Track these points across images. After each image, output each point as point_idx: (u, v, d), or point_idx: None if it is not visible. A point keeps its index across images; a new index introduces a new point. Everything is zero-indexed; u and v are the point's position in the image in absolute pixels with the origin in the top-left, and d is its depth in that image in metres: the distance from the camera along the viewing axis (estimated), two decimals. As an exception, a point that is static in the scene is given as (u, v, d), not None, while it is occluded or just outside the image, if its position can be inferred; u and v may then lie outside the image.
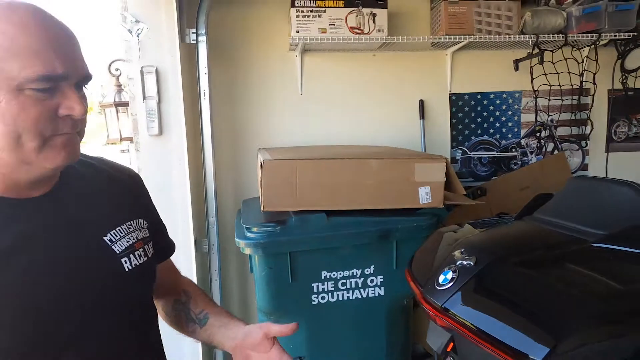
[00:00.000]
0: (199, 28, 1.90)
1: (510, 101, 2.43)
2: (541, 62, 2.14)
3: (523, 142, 2.47)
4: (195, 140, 2.04)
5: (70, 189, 0.70)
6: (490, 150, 2.46)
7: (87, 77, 0.63)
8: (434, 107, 2.39)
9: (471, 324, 0.74)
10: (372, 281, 1.66)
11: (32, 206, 0.65)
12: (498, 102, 2.42)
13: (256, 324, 0.81)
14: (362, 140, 2.32)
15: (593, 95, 2.34)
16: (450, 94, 2.38)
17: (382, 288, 1.67)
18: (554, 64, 2.18)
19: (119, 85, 2.42)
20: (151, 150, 1.93)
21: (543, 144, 2.46)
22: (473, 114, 2.42)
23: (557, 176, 2.49)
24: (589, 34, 2.10)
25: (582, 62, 2.24)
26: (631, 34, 2.11)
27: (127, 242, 0.73)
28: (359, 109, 2.32)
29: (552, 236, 0.87)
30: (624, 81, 2.29)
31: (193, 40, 1.91)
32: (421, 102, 2.36)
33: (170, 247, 0.94)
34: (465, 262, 0.84)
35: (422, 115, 2.35)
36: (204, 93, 1.94)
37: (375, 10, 2.03)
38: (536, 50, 2.12)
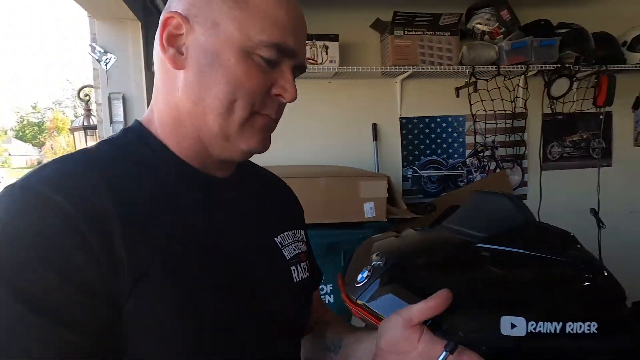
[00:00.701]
0: (164, 58, 2.06)
1: (455, 124, 2.66)
2: (475, 90, 2.38)
3: (468, 161, 2.69)
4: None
5: (244, 181, 0.66)
6: (438, 169, 2.67)
7: (303, 66, 0.60)
8: (386, 130, 2.60)
9: (378, 313, 0.90)
10: (322, 289, 1.81)
11: (219, 188, 0.60)
12: (444, 125, 2.65)
13: (392, 314, 0.59)
14: (319, 161, 2.49)
15: (525, 119, 2.60)
16: (400, 118, 2.60)
17: (332, 295, 1.82)
18: (488, 91, 2.43)
19: (88, 110, 2.54)
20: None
21: (486, 163, 2.69)
22: (422, 136, 2.64)
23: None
24: (519, 65, 2.36)
25: (514, 89, 2.49)
26: (555, 65, 2.38)
27: (294, 250, 0.67)
28: (317, 132, 2.50)
29: (449, 239, 1.05)
30: (552, 107, 2.55)
31: (158, 69, 2.06)
32: (374, 125, 2.56)
33: (320, 272, 0.83)
34: (377, 263, 1.01)
35: (375, 137, 2.56)
36: (169, 117, 2.09)
37: (327, 43, 2.24)
38: (473, 79, 2.36)
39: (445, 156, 2.68)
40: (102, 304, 0.45)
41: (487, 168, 2.70)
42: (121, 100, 2.00)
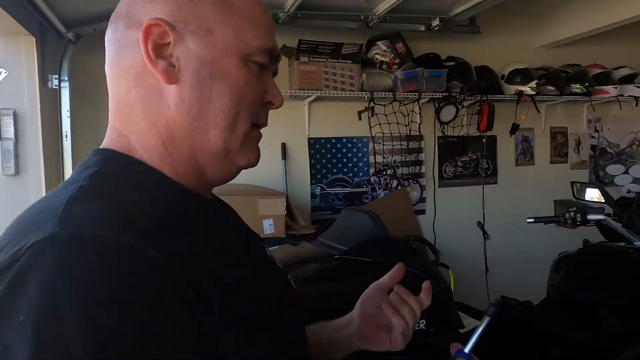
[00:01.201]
0: (62, 74, 2.02)
1: (360, 145, 2.85)
2: (371, 114, 2.60)
3: (372, 179, 2.89)
4: (58, 180, 2.10)
5: (218, 203, 0.62)
6: (344, 187, 2.84)
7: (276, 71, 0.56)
8: (295, 150, 2.72)
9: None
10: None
11: (214, 212, 0.57)
12: (349, 145, 2.84)
13: (370, 286, 0.72)
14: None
15: (420, 141, 2.87)
16: (309, 138, 2.74)
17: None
18: (386, 115, 2.66)
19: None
20: (7, 190, 1.95)
21: (388, 181, 2.91)
22: (329, 156, 2.80)
23: (401, 208, 2.96)
24: (413, 93, 2.61)
25: (408, 114, 2.75)
26: (443, 93, 2.66)
27: None
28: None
29: (317, 251, 1.16)
30: (443, 130, 2.84)
31: (55, 85, 2.02)
32: (283, 145, 2.67)
33: None
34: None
35: (284, 156, 2.67)
36: (66, 135, 2.04)
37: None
38: (372, 104, 2.57)
39: (351, 174, 2.85)
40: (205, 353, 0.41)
41: (389, 186, 2.92)
42: (12, 117, 1.92)
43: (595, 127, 3.47)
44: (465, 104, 2.84)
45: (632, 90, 3.18)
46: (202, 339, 0.40)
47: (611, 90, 3.12)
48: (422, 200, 3.01)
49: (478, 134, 2.92)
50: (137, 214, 0.43)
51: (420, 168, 2.99)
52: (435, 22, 2.57)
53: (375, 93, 2.55)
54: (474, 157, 3.13)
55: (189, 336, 0.39)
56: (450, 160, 3.07)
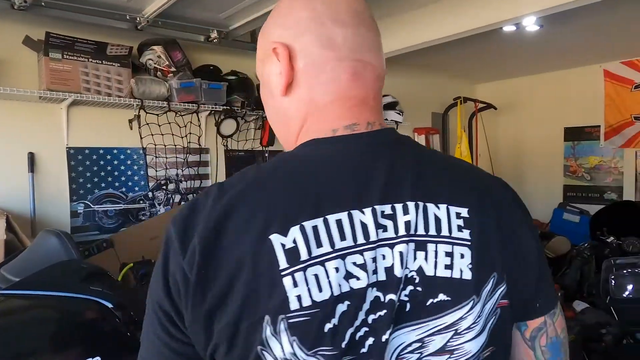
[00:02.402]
0: None
1: (135, 156, 2.60)
2: (142, 123, 2.41)
3: (151, 194, 2.67)
4: None
5: None
6: (116, 203, 2.54)
7: None
8: (48, 161, 2.31)
9: None
10: None
11: None
12: (122, 157, 2.56)
13: None
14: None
15: (202, 154, 2.79)
16: (67, 148, 2.36)
17: None
18: (159, 125, 2.49)
19: None
20: None
21: (170, 196, 2.73)
22: (96, 168, 2.47)
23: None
24: (190, 104, 2.51)
25: (185, 126, 2.64)
26: (223, 107, 2.64)
27: None
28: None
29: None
30: (225, 144, 2.82)
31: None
32: (31, 155, 2.24)
33: None
34: None
35: (32, 168, 2.23)
36: None
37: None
38: (144, 113, 2.37)
39: (124, 189, 2.57)
40: None
41: (171, 201, 2.74)
42: None
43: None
44: (249, 118, 2.88)
45: (393, 115, 3.74)
46: None
47: (377, 114, 3.60)
48: (208, 215, 2.91)
49: (261, 148, 3.00)
50: None
51: (206, 182, 2.90)
52: (214, 34, 2.54)
53: (148, 101, 2.36)
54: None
55: None
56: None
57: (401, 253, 0.49)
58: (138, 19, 2.26)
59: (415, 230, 0.51)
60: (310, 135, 0.57)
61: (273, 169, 0.55)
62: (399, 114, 3.78)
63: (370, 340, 0.48)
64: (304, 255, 0.47)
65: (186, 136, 2.64)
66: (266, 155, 3.07)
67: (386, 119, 3.71)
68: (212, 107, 2.61)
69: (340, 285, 0.47)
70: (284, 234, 0.48)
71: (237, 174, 0.55)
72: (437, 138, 4.48)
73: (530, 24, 2.83)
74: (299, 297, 0.46)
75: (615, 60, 4.22)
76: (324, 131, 0.56)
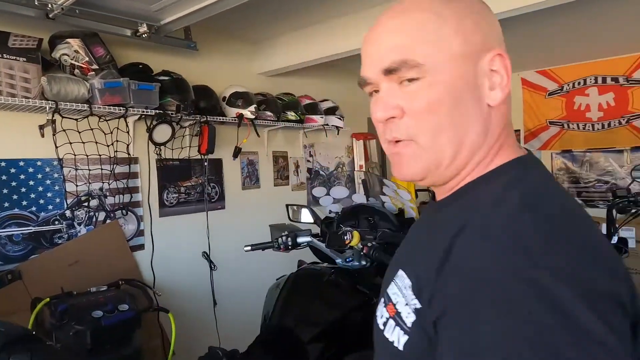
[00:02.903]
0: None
1: (47, 169, 2.19)
2: (55, 130, 2.04)
3: (69, 213, 2.27)
4: None
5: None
6: (24, 226, 2.12)
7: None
8: None
9: None
10: None
11: None
12: (31, 170, 2.14)
13: None
14: None
15: (131, 164, 2.45)
16: (-43, 161, 1.91)
17: None
18: (79, 132, 2.13)
19: None
20: None
21: (93, 214, 2.35)
22: (-4, 185, 2.03)
23: (111, 245, 2.43)
24: (117, 107, 2.18)
25: (111, 132, 2.29)
26: (155, 111, 2.33)
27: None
28: None
29: None
30: (158, 152, 2.51)
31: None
32: None
33: None
34: None
35: None
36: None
37: None
38: (60, 118, 2.00)
39: (34, 209, 2.15)
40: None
41: (94, 219, 2.36)
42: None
43: (310, 152, 3.83)
44: (185, 124, 2.60)
45: (334, 120, 3.65)
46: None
47: (318, 119, 3.49)
48: (139, 233, 2.56)
49: (200, 157, 2.72)
50: None
51: (136, 196, 2.55)
52: (143, 29, 2.23)
53: (64, 103, 1.99)
54: (200, 181, 2.91)
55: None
56: (172, 185, 2.75)
57: None
58: (50, 5, 1.90)
59: None
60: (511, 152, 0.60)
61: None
62: (339, 118, 3.70)
63: None
64: None
65: (112, 144, 2.28)
66: (205, 164, 2.79)
67: (327, 124, 3.60)
68: (143, 111, 2.29)
69: None
70: None
71: None
72: (374, 144, 4.48)
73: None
74: None
75: (532, 69, 4.55)
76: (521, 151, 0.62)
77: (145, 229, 2.59)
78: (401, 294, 0.54)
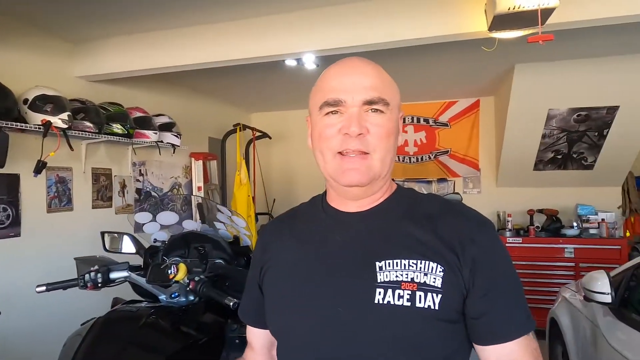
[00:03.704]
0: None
1: None
2: None
3: None
4: None
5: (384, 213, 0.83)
6: None
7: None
8: None
9: None
10: None
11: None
12: None
13: None
14: None
15: None
16: None
17: None
18: None
19: None
20: None
21: None
22: None
23: None
24: None
25: None
26: None
27: (395, 277, 0.77)
28: None
29: None
30: None
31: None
32: None
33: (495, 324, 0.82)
34: None
35: None
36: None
37: None
38: None
39: None
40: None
41: None
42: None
43: (140, 170, 3.44)
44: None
45: (169, 137, 3.36)
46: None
47: (152, 135, 3.16)
48: None
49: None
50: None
51: None
52: None
53: None
54: (-15, 202, 2.30)
55: None
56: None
57: None
58: None
59: None
60: None
61: None
62: (176, 136, 3.43)
63: None
64: None
65: None
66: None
67: (161, 141, 3.30)
68: None
69: None
70: None
71: None
72: (214, 164, 4.29)
73: (309, 62, 3.01)
74: None
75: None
76: None
77: None
78: (415, 268, 0.70)
